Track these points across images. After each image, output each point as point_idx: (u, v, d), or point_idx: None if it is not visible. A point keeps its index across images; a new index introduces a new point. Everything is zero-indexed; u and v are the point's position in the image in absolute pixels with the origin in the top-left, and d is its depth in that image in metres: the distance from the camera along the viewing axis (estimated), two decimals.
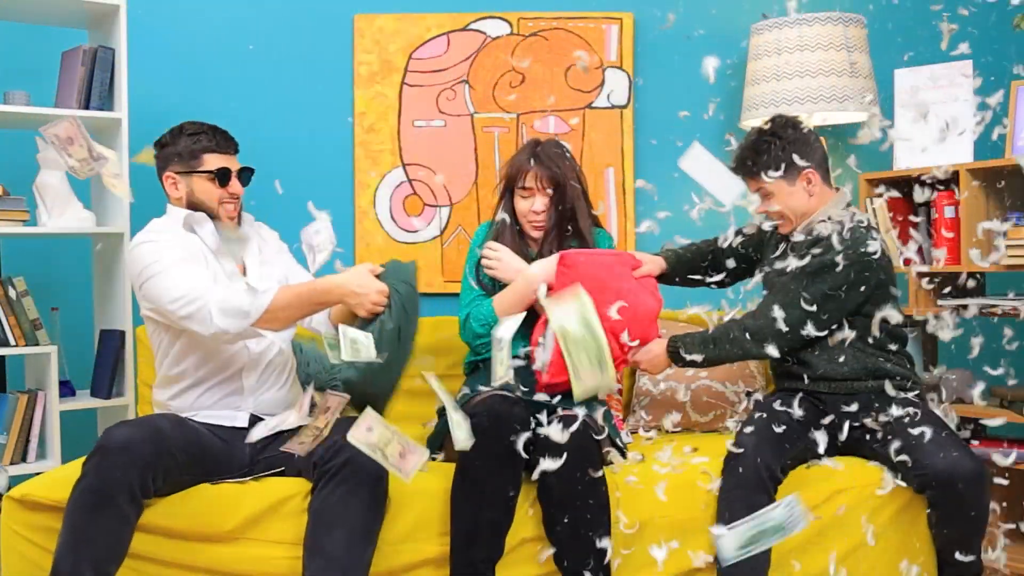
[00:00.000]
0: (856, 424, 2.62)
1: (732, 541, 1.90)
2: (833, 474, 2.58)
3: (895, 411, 2.53)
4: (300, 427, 2.25)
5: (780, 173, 2.62)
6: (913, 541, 2.57)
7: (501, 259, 2.77)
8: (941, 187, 3.04)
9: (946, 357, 3.28)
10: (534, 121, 3.58)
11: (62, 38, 3.34)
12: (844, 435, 2.59)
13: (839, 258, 2.52)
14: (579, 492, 2.42)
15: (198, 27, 3.54)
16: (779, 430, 2.56)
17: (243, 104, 3.48)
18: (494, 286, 2.82)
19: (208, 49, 3.54)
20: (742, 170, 2.67)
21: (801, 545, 2.54)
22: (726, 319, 2.67)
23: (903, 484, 2.54)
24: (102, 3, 3.16)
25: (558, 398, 2.53)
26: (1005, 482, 2.72)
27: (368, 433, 2.10)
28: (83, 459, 2.28)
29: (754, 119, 3.27)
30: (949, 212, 3.10)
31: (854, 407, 2.62)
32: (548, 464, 2.34)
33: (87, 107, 3.16)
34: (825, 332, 2.58)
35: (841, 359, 2.63)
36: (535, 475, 2.41)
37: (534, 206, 2.77)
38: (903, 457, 2.49)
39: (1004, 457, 2.61)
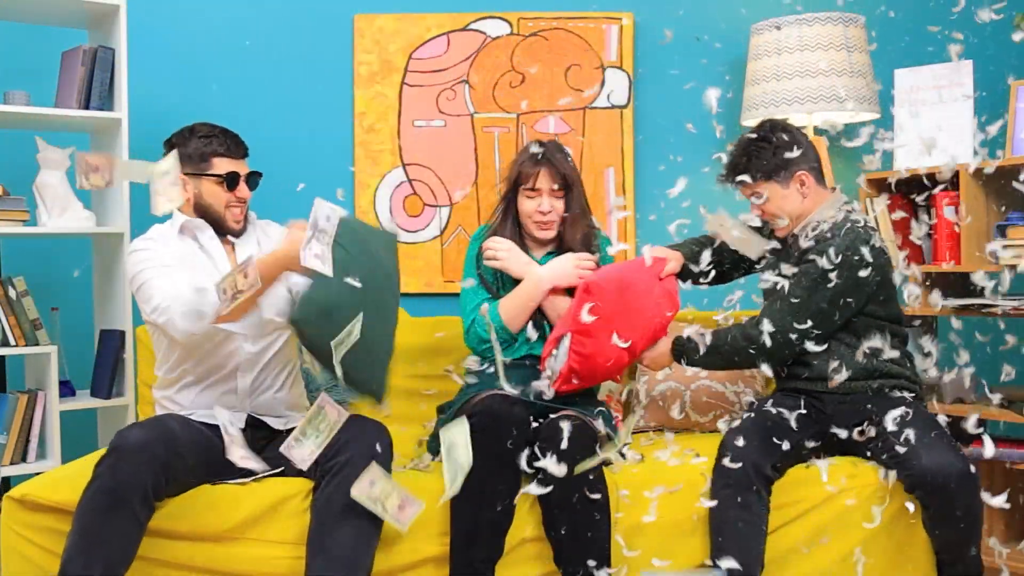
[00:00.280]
0: (855, 425, 2.62)
1: None
2: (831, 474, 2.58)
3: (892, 413, 2.53)
4: (298, 428, 2.25)
5: (772, 177, 2.62)
6: (912, 541, 2.56)
7: (510, 249, 2.78)
8: (941, 187, 3.04)
9: (946, 357, 3.27)
10: (535, 122, 3.58)
11: (62, 38, 3.34)
12: (843, 435, 2.59)
13: (833, 275, 2.52)
14: (579, 492, 2.42)
15: (198, 27, 3.54)
16: (770, 429, 2.56)
17: (243, 104, 3.48)
18: (495, 279, 2.83)
19: (208, 49, 3.54)
20: (733, 176, 2.67)
21: (800, 545, 2.54)
22: (731, 322, 2.68)
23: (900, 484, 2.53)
24: (102, 3, 3.15)
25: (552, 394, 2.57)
26: (1007, 505, 2.40)
27: (371, 487, 2.23)
28: (84, 459, 2.29)
29: (754, 119, 3.26)
30: (949, 212, 3.10)
31: (853, 407, 2.62)
32: (548, 464, 2.35)
33: (87, 107, 3.16)
34: (824, 345, 2.58)
35: (840, 360, 2.63)
36: (535, 470, 2.41)
37: (541, 206, 2.78)
38: (893, 455, 2.49)
39: (985, 450, 2.44)
